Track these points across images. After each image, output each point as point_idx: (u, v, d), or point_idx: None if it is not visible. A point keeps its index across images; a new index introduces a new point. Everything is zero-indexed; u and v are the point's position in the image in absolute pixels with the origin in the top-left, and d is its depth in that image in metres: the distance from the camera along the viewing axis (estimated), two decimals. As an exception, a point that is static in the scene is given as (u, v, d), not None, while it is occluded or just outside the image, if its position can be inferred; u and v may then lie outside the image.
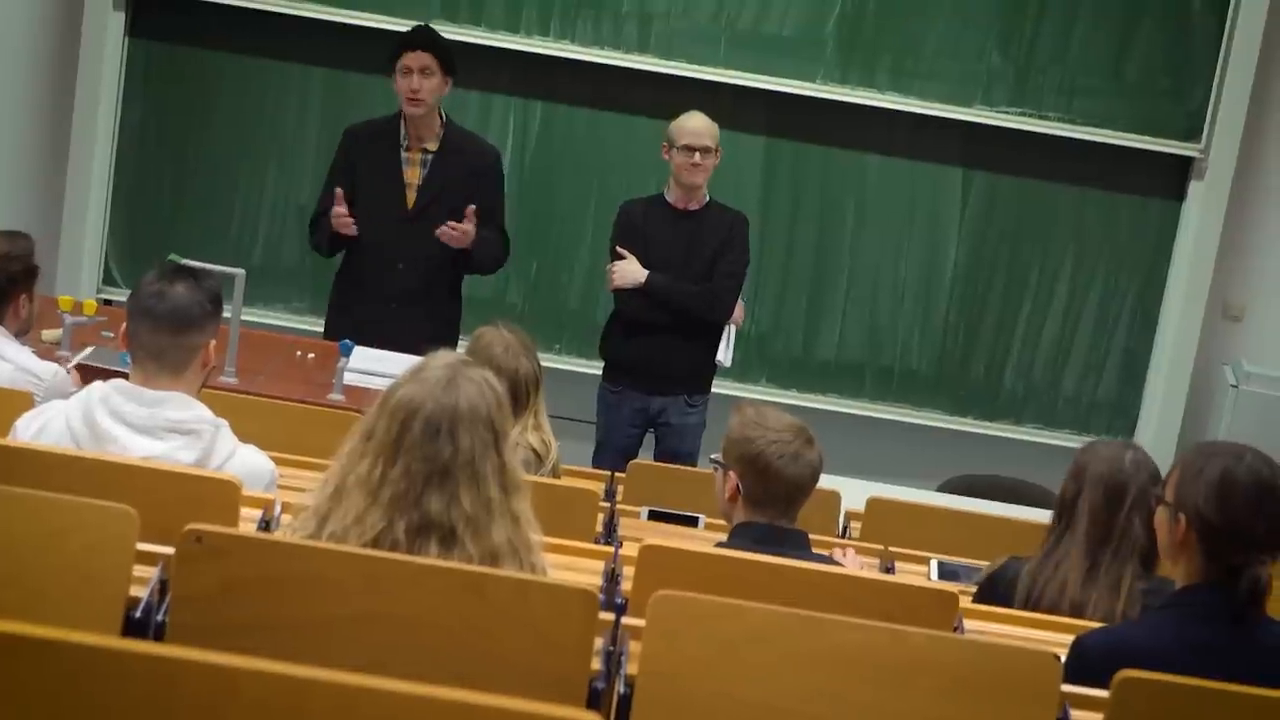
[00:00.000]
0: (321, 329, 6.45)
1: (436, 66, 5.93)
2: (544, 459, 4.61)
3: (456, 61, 6.05)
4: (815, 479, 3.72)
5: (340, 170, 6.12)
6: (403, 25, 7.14)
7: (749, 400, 3.92)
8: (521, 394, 4.55)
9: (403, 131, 6.03)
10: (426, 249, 5.93)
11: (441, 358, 3.03)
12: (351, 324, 5.84)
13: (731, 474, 3.71)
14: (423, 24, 6.31)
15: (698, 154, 5.95)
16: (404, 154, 6.03)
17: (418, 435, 2.90)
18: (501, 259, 6.27)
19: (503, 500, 2.94)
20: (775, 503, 3.68)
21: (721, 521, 4.26)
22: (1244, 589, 3.08)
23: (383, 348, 5.57)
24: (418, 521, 2.89)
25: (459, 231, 5.87)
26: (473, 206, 5.88)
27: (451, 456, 2.90)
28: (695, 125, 6.00)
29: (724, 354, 6.06)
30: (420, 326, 5.62)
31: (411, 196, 6.01)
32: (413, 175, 6.03)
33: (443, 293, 6.12)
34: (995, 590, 3.75)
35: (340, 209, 5.88)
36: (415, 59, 5.91)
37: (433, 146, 6.03)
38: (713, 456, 3.83)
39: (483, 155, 6.18)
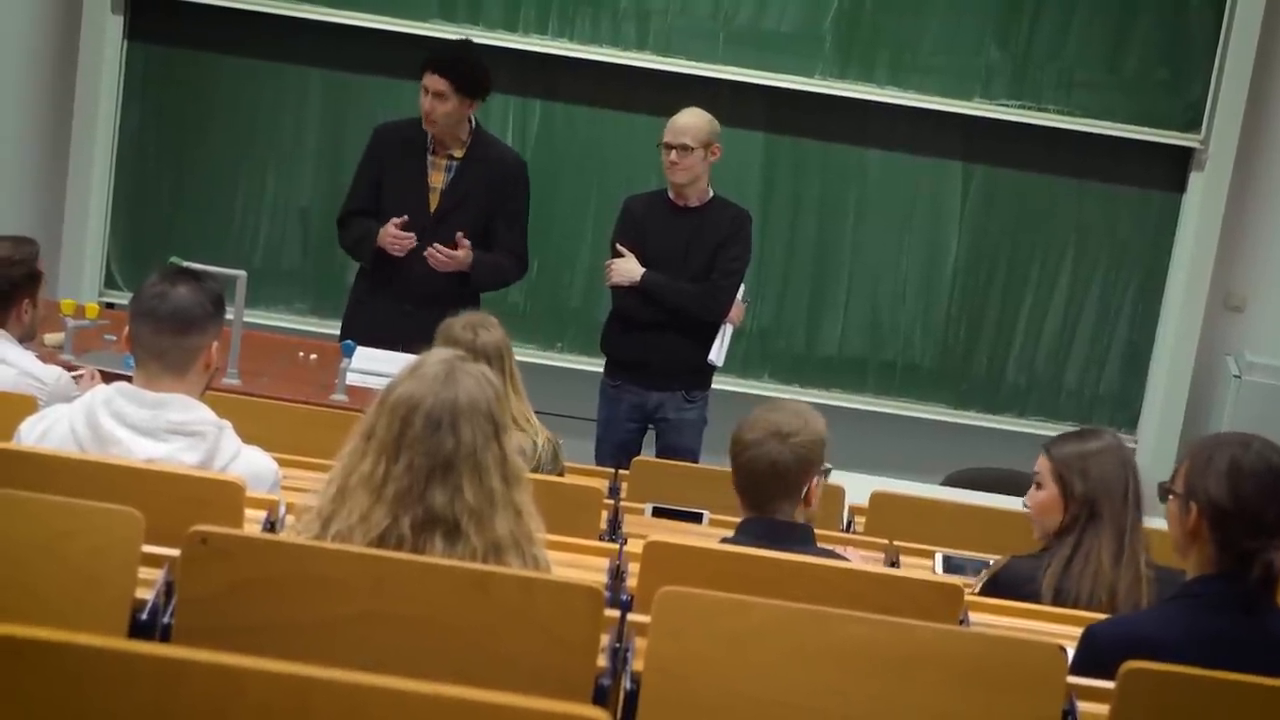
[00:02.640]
0: (324, 329, 6.46)
1: (451, 91, 5.87)
2: (530, 454, 4.55)
3: (476, 74, 5.96)
4: (777, 472, 3.64)
5: (369, 169, 6.13)
6: (400, 26, 7.21)
7: (782, 399, 3.90)
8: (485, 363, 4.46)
9: (430, 136, 6.01)
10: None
11: (437, 354, 3.04)
12: (371, 324, 5.86)
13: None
14: (461, 42, 6.26)
15: (674, 152, 5.93)
16: (430, 158, 6.02)
17: (419, 430, 2.91)
18: (509, 280, 6.27)
19: (505, 492, 2.95)
20: (745, 494, 3.71)
21: (726, 517, 4.28)
22: (1256, 576, 3.09)
23: (401, 349, 5.56)
24: (422, 516, 2.90)
25: (446, 258, 5.89)
26: (459, 234, 5.90)
27: (454, 449, 2.90)
28: (677, 123, 5.97)
29: (716, 353, 6.04)
30: (435, 328, 5.61)
31: (434, 201, 6.00)
32: (437, 180, 6.01)
33: (464, 296, 6.10)
34: (1000, 591, 3.75)
35: (394, 230, 5.90)
36: (430, 81, 5.89)
37: (458, 153, 6.01)
38: None
39: (507, 164, 6.14)
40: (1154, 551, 3.74)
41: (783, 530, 3.66)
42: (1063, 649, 2.90)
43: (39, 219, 7.13)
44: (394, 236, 5.90)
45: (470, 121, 6.04)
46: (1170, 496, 3.22)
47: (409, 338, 5.62)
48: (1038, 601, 3.68)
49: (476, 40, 7.17)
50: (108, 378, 3.90)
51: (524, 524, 2.98)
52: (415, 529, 2.90)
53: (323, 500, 2.98)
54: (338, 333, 6.15)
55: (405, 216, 5.91)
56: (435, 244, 5.89)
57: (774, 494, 3.69)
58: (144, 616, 2.90)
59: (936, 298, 7.58)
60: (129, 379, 3.63)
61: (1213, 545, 3.13)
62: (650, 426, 6.23)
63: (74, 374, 4.80)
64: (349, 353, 5.41)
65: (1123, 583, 3.67)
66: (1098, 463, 3.76)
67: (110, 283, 7.56)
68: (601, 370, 6.31)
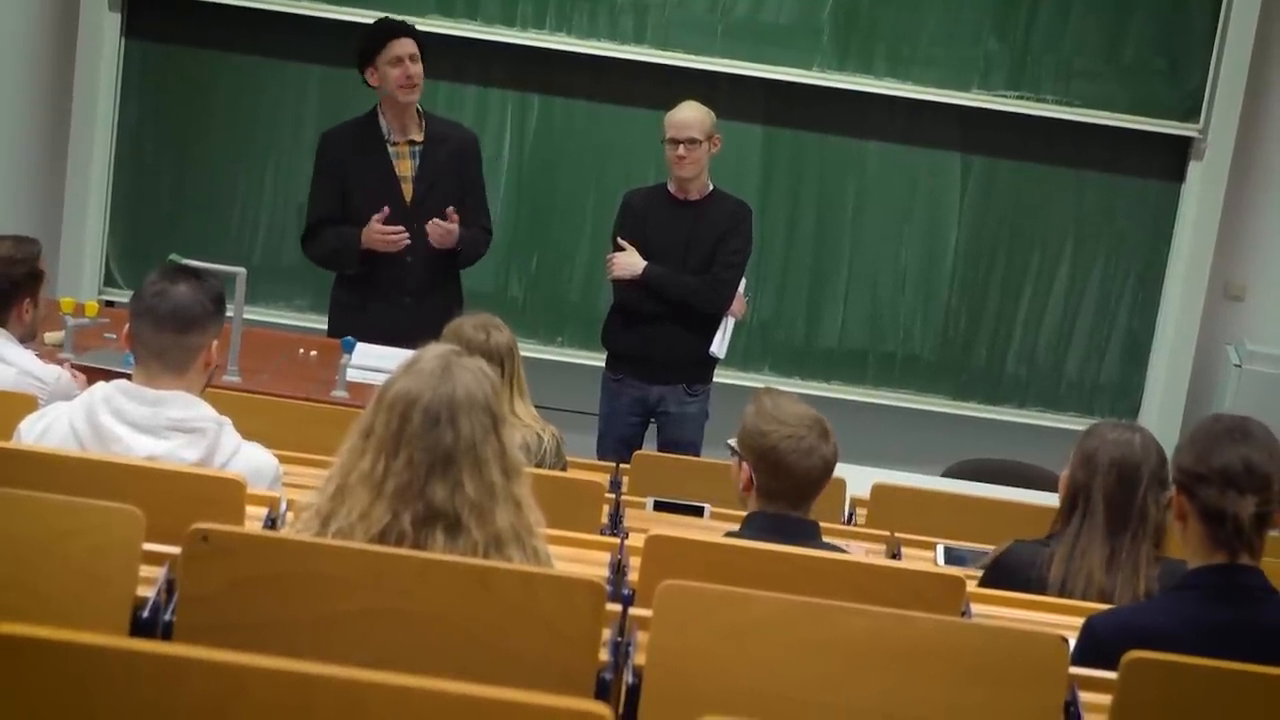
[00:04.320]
0: (324, 326, 6.45)
1: (419, 52, 5.97)
2: (535, 449, 4.57)
3: (451, 55, 6.09)
4: (829, 472, 3.69)
5: (327, 176, 6.09)
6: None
7: (767, 389, 3.87)
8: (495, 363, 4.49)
9: (385, 127, 6.02)
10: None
11: (433, 350, 3.04)
12: (365, 322, 5.82)
13: (745, 465, 3.70)
14: (385, 15, 6.30)
15: (682, 146, 5.94)
16: (391, 149, 6.03)
17: (417, 425, 2.91)
18: (483, 252, 6.29)
19: (505, 484, 2.95)
20: (787, 495, 3.66)
21: (727, 510, 4.27)
22: (1229, 531, 3.09)
23: (396, 343, 5.56)
24: (423, 512, 2.90)
25: (445, 230, 5.92)
26: (450, 208, 5.92)
27: (453, 443, 2.90)
28: (680, 117, 5.99)
29: (718, 345, 6.05)
30: (433, 318, 5.60)
31: (408, 190, 6.01)
32: (405, 169, 6.03)
33: (450, 282, 6.12)
34: (1000, 574, 3.74)
35: (380, 227, 5.90)
36: (404, 46, 5.94)
37: (418, 137, 6.04)
38: (729, 442, 3.80)
39: (465, 139, 6.22)
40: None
41: (792, 526, 3.65)
42: (1065, 640, 2.90)
43: (38, 217, 7.13)
44: (382, 233, 5.90)
45: (417, 104, 6.09)
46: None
47: (410, 332, 5.65)
48: (1039, 586, 3.67)
49: (474, 36, 7.23)
50: (107, 375, 3.89)
51: (524, 516, 2.98)
52: (416, 525, 2.90)
53: (322, 499, 2.98)
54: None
55: (386, 209, 5.91)
56: (431, 223, 5.92)
57: (817, 492, 3.69)
58: (145, 614, 2.90)
59: (936, 289, 7.58)
60: (128, 377, 3.63)
61: (1197, 520, 3.14)
62: (652, 420, 6.23)
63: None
64: (349, 349, 5.40)
65: (1120, 592, 3.61)
66: (1103, 457, 3.68)
67: (110, 281, 7.56)
68: (602, 364, 6.32)
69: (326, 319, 6.35)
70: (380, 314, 5.93)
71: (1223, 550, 3.13)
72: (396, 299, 5.96)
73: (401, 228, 5.90)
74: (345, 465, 2.97)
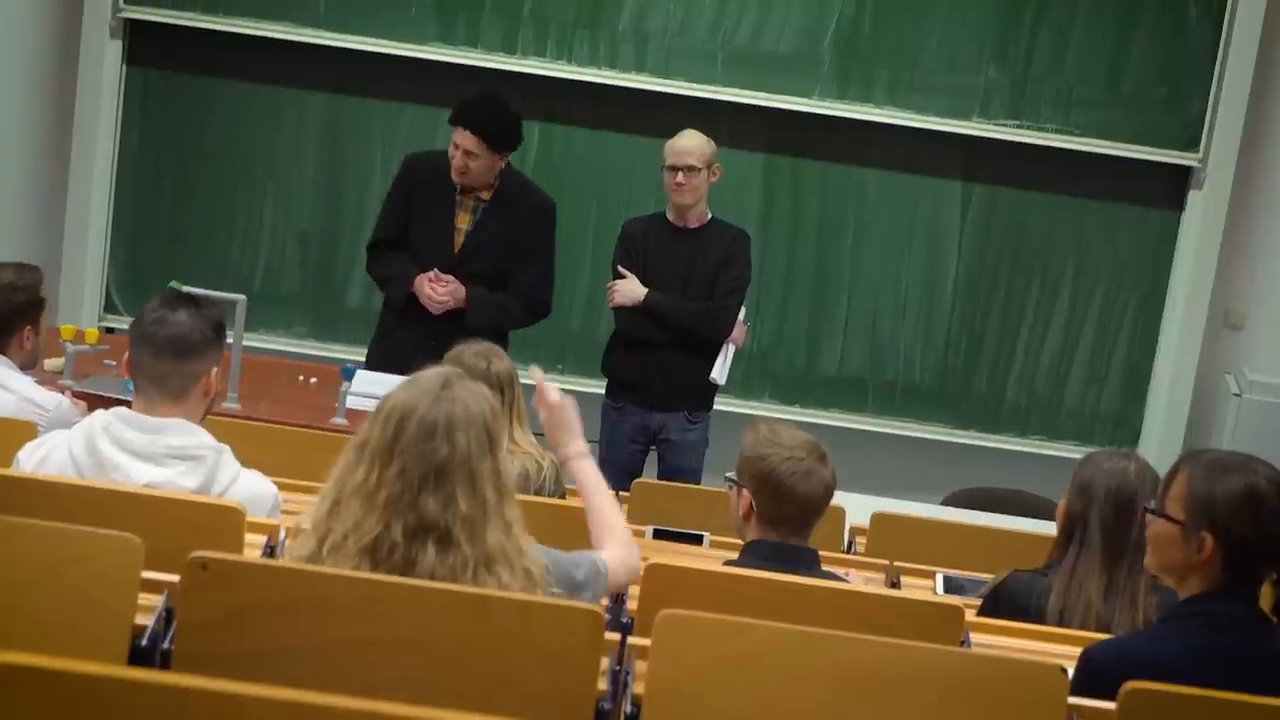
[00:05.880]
0: (323, 352, 6.46)
1: (483, 149, 5.80)
2: (534, 476, 4.58)
3: (451, 83, 5.97)
4: (829, 496, 3.69)
5: (397, 200, 6.08)
6: (399, 49, 7.21)
7: (762, 418, 3.87)
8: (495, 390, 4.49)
9: None
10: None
11: (433, 370, 3.02)
12: (390, 359, 5.75)
13: (745, 492, 3.69)
14: (490, 95, 6.16)
15: (680, 173, 5.96)
16: (458, 198, 5.96)
17: (412, 435, 2.88)
18: (518, 320, 6.14)
19: (498, 503, 2.93)
20: (788, 521, 3.66)
21: (726, 539, 4.27)
22: (1274, 602, 3.08)
23: None
24: (414, 523, 2.87)
25: (441, 296, 5.88)
26: (439, 273, 5.89)
27: (448, 456, 2.88)
28: (680, 145, 6.00)
29: (719, 372, 6.04)
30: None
31: (458, 242, 5.96)
32: (463, 221, 5.96)
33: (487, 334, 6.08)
34: (1000, 604, 3.74)
35: (432, 289, 5.88)
36: (460, 138, 5.81)
37: (486, 195, 5.97)
38: (727, 475, 3.81)
39: (536, 207, 6.08)
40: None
41: (791, 554, 3.64)
42: (1064, 670, 2.90)
43: (39, 244, 7.14)
44: (430, 296, 5.88)
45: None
46: (1161, 520, 3.16)
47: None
48: (1038, 616, 3.67)
49: (475, 63, 7.22)
50: (106, 402, 3.89)
51: (514, 539, 2.96)
52: (407, 536, 2.86)
53: (317, 517, 2.96)
54: (337, 356, 6.14)
55: (435, 270, 5.90)
56: (430, 287, 5.90)
57: (817, 516, 3.68)
58: (144, 643, 2.90)
59: (936, 317, 7.58)
60: (128, 404, 3.63)
61: (1224, 572, 3.09)
62: (653, 448, 6.23)
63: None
64: (349, 376, 5.41)
65: (1118, 622, 3.62)
66: (1098, 486, 3.69)
67: (110, 307, 7.57)
68: (602, 392, 6.31)
69: (334, 340, 6.34)
70: (406, 353, 5.85)
71: (1235, 588, 3.11)
72: (424, 342, 5.85)
73: (448, 296, 5.88)
74: (340, 479, 2.94)
